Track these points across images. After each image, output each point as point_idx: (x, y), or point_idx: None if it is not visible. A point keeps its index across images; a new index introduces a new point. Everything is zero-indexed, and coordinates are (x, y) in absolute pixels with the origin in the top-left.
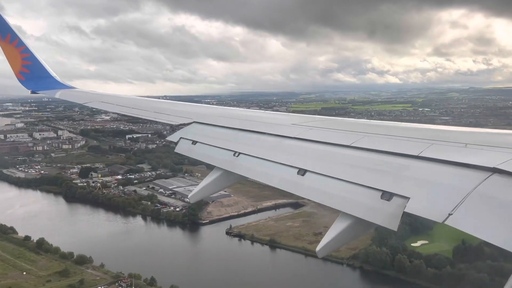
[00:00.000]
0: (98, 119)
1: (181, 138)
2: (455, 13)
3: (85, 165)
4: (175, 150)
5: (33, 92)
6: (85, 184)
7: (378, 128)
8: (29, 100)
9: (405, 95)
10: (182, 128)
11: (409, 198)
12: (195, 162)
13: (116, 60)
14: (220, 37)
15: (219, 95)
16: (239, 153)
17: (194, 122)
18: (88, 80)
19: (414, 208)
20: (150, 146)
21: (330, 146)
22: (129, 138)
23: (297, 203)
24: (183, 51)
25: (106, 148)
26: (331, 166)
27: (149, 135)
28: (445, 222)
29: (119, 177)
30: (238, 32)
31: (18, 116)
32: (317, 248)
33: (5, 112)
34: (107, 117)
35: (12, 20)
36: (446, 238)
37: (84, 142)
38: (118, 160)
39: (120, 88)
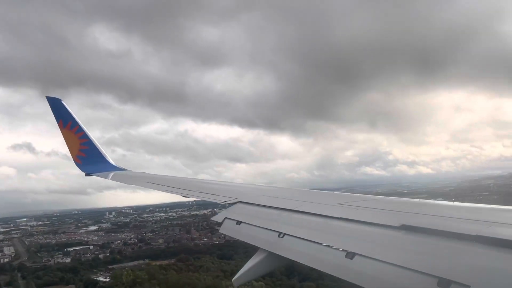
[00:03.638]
0: (81, 231)
1: (225, 218)
2: (454, 96)
3: None
4: (220, 231)
5: (87, 175)
6: None
7: (429, 208)
8: (55, 214)
9: (436, 185)
10: (227, 207)
11: (469, 286)
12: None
13: (133, 168)
14: (225, 139)
15: None
16: (284, 234)
17: (239, 201)
18: (118, 190)
19: None
20: (57, 261)
21: (379, 228)
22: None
23: None
24: (193, 155)
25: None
26: (381, 249)
27: (91, 247)
28: None
29: None
30: (238, 132)
31: (14, 232)
32: None
33: (5, 229)
34: (93, 228)
35: (26, 138)
36: None
37: (7, 260)
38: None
39: (156, 196)
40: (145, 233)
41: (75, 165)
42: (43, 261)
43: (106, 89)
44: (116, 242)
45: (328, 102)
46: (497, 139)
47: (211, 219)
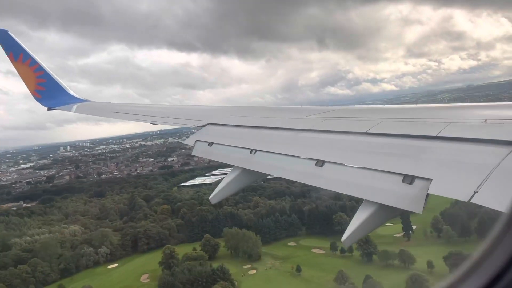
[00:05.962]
0: (11, 169)
1: (197, 141)
2: (400, 8)
3: None
4: (192, 153)
5: (49, 109)
6: None
7: (392, 112)
8: (12, 150)
9: (399, 101)
10: (198, 130)
11: (431, 179)
12: None
13: None
14: (173, 65)
15: None
16: (256, 150)
17: (209, 124)
18: (79, 123)
19: (437, 189)
20: None
21: (346, 135)
22: None
23: None
24: (143, 84)
25: None
26: (349, 154)
27: None
28: (471, 201)
29: None
30: (179, 56)
31: None
32: (343, 238)
33: None
34: (26, 166)
35: None
36: None
37: None
38: None
39: (122, 127)
40: (66, 168)
41: (26, 100)
42: None
43: (9, 13)
44: (25, 181)
45: (268, 19)
46: (453, 51)
47: (182, 142)
